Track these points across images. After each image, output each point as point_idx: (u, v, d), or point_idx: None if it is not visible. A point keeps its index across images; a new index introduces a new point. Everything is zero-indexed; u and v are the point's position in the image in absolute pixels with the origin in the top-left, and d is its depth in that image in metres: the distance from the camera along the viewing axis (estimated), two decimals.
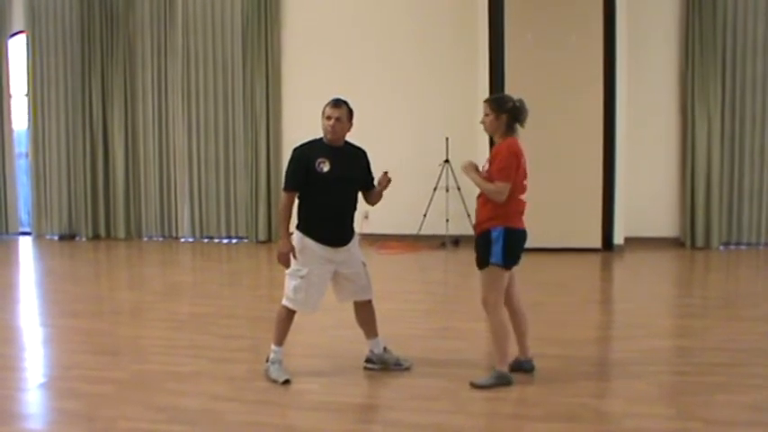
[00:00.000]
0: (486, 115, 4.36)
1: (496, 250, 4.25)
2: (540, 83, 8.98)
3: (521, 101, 4.33)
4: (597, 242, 9.44)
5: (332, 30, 10.68)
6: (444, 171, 9.99)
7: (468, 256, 9.43)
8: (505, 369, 4.35)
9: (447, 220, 10.00)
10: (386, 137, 9.83)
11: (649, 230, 9.93)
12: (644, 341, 5.35)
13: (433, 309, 6.77)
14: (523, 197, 4.35)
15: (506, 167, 4.21)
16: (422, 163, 10.23)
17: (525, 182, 4.33)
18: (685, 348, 5.29)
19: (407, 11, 10.51)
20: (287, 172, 4.57)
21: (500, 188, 4.21)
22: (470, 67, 9.82)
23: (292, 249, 4.46)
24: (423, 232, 10.16)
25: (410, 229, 10.17)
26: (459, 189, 9.94)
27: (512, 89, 8.98)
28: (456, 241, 10.13)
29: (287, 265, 4.48)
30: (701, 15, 9.56)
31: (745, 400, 4.08)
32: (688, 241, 9.77)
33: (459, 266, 9.26)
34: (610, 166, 9.44)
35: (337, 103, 4.52)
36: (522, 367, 4.54)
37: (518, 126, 4.34)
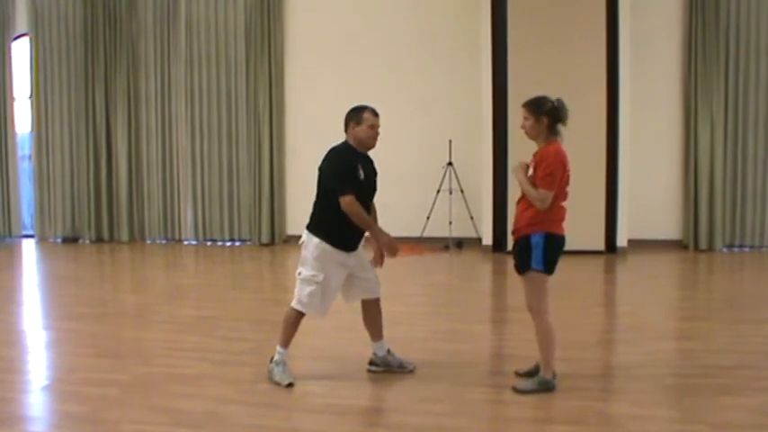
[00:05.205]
0: (526, 119, 4.24)
1: (537, 256, 4.20)
2: (543, 85, 8.77)
3: (559, 100, 4.22)
4: (600, 245, 9.43)
5: (335, 32, 10.70)
6: (447, 174, 9.99)
7: (471, 258, 9.53)
8: (549, 376, 4.30)
9: (450, 223, 10.00)
10: (389, 139, 9.67)
11: (652, 233, 9.93)
12: (648, 344, 5.34)
13: (437, 311, 6.77)
14: (564, 204, 4.28)
15: (551, 174, 4.13)
16: (425, 165, 10.25)
17: (567, 188, 4.26)
18: (690, 351, 5.27)
19: (410, 13, 10.53)
20: (343, 174, 4.36)
21: (543, 196, 4.14)
22: (473, 70, 9.82)
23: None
24: (426, 235, 10.17)
25: (413, 231, 10.17)
26: (462, 192, 9.94)
27: (514, 91, 9.04)
28: (459, 244, 10.13)
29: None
30: (703, 17, 9.56)
31: (751, 403, 4.06)
32: (691, 244, 9.76)
33: (463, 269, 9.26)
34: (613, 169, 9.44)
35: (377, 113, 4.49)
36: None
37: (560, 127, 4.24)
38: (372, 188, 4.60)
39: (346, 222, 4.40)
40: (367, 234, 4.58)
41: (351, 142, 4.51)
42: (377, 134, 4.48)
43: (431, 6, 10.47)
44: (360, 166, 4.43)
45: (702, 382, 4.44)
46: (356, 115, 4.48)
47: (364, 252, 4.67)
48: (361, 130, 4.45)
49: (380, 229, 4.46)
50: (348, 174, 4.37)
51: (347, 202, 4.32)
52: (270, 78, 10.77)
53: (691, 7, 9.63)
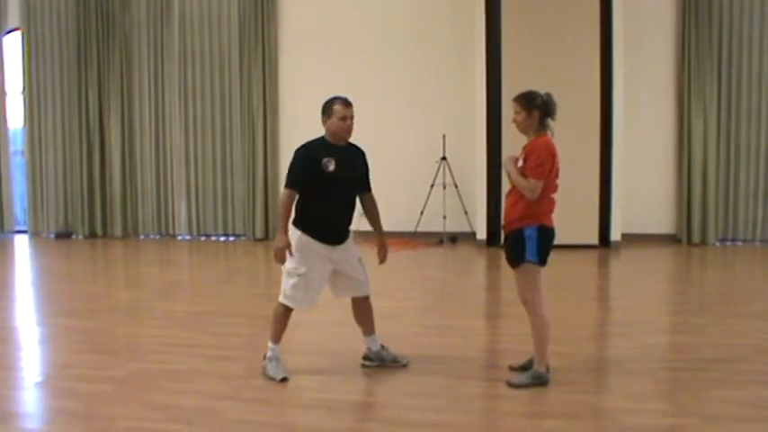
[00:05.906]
0: (517, 113, 4.28)
1: (531, 248, 4.23)
2: (537, 80, 8.74)
3: (548, 94, 4.27)
4: (594, 239, 9.46)
5: (329, 27, 10.68)
6: (441, 168, 9.99)
7: (465, 252, 9.54)
8: (543, 370, 4.32)
9: (444, 217, 10.01)
10: (383, 134, 9.83)
11: (646, 227, 9.96)
12: (641, 338, 5.36)
13: (431, 306, 6.78)
14: (554, 196, 4.32)
15: (541, 165, 4.16)
16: (419, 160, 10.25)
17: (557, 181, 4.29)
18: (682, 345, 5.30)
19: (405, 8, 10.52)
20: (292, 169, 4.43)
21: (533, 185, 4.17)
22: (467, 65, 9.83)
23: (289, 246, 4.39)
24: (420, 229, 10.17)
25: (407, 226, 10.18)
26: (456, 186, 9.94)
27: (508, 87, 9.03)
28: (453, 238, 10.14)
29: (282, 261, 4.41)
30: (696, 12, 9.58)
31: (742, 396, 4.09)
32: (684, 238, 9.80)
33: (457, 263, 9.26)
34: (606, 163, 9.46)
35: (349, 103, 4.48)
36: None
37: (550, 121, 4.28)
38: (351, 181, 4.55)
39: (325, 216, 4.43)
40: (357, 230, 4.59)
41: (326, 135, 4.51)
42: (348, 125, 4.45)
43: (425, 2, 10.45)
44: (331, 159, 4.40)
45: (694, 375, 4.47)
46: (327, 108, 4.48)
47: (355, 249, 4.66)
48: (332, 123, 4.46)
49: (282, 232, 4.35)
50: (298, 169, 4.41)
51: (281, 194, 4.47)
52: (263, 73, 10.74)
53: (684, 1, 9.64)
